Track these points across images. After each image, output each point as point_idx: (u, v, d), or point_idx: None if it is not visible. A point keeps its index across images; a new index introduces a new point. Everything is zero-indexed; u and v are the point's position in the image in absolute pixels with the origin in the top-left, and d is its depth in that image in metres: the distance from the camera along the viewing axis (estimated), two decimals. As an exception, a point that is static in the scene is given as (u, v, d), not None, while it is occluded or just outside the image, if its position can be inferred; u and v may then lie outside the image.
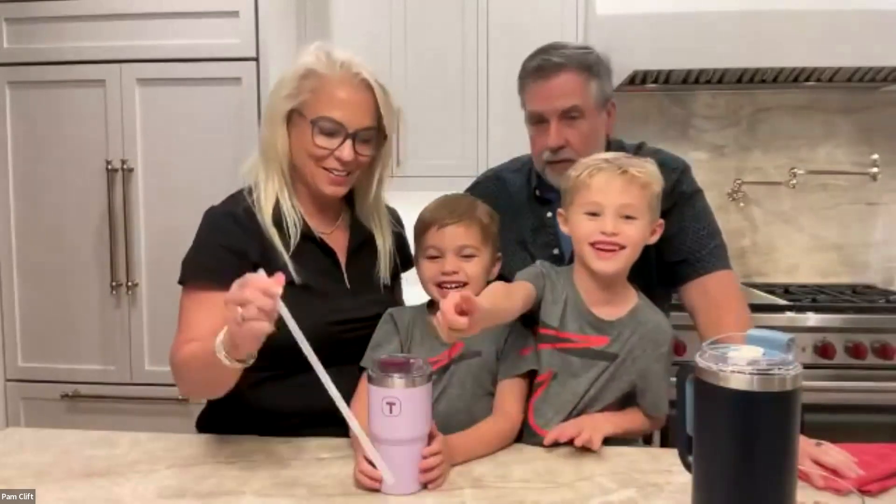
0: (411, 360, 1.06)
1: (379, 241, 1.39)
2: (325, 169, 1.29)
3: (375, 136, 1.31)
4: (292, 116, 1.29)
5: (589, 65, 1.43)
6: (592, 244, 1.22)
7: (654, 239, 1.27)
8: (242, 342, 1.02)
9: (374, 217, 1.41)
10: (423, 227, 1.31)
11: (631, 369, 1.25)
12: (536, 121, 1.45)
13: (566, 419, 1.24)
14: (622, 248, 1.21)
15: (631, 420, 1.27)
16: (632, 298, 1.30)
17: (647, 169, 1.24)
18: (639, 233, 1.22)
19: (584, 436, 1.17)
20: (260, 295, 0.97)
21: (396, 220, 1.50)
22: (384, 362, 1.07)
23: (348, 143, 1.26)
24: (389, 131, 1.33)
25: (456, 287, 1.26)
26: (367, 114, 1.29)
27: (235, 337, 1.02)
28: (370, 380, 1.06)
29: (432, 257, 1.29)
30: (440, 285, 1.27)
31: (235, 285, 1.00)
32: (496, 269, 1.35)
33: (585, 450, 1.19)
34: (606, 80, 1.48)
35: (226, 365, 1.06)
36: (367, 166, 1.35)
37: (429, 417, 1.08)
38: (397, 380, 1.04)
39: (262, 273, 1.00)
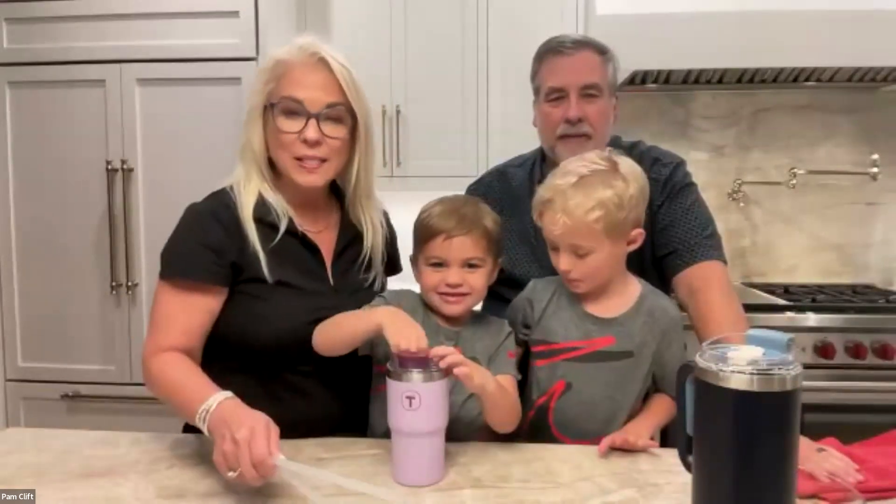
0: (430, 355, 1.07)
1: (367, 240, 1.36)
2: (297, 159, 1.26)
3: (344, 115, 1.27)
4: (265, 112, 1.28)
5: (605, 49, 1.50)
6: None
7: (633, 247, 1.28)
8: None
9: (362, 213, 1.37)
10: (428, 234, 1.24)
11: (647, 361, 1.27)
12: (554, 97, 1.47)
13: (599, 426, 1.25)
14: (581, 281, 1.26)
15: (657, 414, 1.28)
16: (634, 288, 1.30)
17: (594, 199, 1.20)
18: (595, 261, 1.23)
19: (630, 438, 1.18)
20: (252, 472, 0.96)
21: (386, 222, 1.45)
22: (403, 357, 1.07)
23: (312, 122, 1.23)
24: (358, 109, 1.28)
25: (457, 297, 1.24)
26: (328, 92, 1.25)
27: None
28: (389, 374, 1.07)
29: (435, 265, 1.25)
30: (441, 294, 1.25)
31: (228, 444, 0.98)
32: (495, 273, 1.32)
33: (585, 450, 1.19)
34: (616, 70, 1.53)
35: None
36: (346, 154, 1.31)
37: (447, 410, 1.09)
38: (416, 374, 1.05)
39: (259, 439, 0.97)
